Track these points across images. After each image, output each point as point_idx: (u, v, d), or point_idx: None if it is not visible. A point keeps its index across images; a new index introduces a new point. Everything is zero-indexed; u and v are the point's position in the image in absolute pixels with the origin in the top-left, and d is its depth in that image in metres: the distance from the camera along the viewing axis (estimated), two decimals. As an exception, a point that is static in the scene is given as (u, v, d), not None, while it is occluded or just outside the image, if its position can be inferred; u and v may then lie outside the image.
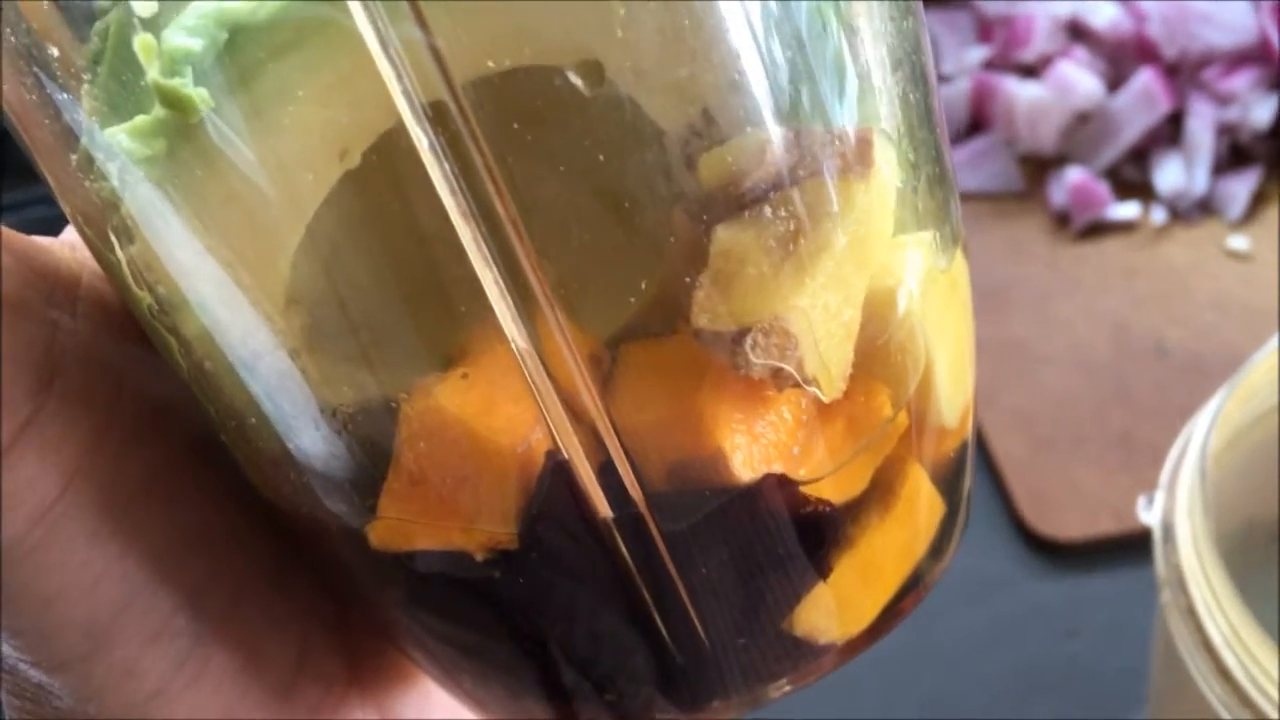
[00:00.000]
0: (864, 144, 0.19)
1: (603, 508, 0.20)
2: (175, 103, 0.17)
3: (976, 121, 0.83)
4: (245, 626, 0.22)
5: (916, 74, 0.21)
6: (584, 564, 0.20)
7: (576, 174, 0.18)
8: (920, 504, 0.23)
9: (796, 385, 0.19)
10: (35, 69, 0.18)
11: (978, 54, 0.84)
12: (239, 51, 0.17)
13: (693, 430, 0.19)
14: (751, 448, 0.19)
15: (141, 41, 0.17)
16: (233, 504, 0.23)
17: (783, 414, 0.20)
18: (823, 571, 0.21)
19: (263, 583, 0.23)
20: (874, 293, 0.20)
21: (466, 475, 0.19)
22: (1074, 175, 0.78)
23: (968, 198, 0.80)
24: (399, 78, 0.17)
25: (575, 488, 0.19)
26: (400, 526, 0.20)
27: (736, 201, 0.18)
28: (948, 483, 0.23)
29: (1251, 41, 0.79)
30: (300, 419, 0.20)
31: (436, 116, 0.17)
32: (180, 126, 0.18)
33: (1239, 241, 0.75)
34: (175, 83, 0.17)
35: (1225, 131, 0.79)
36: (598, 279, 0.18)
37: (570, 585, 0.21)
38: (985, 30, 0.86)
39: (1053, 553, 0.63)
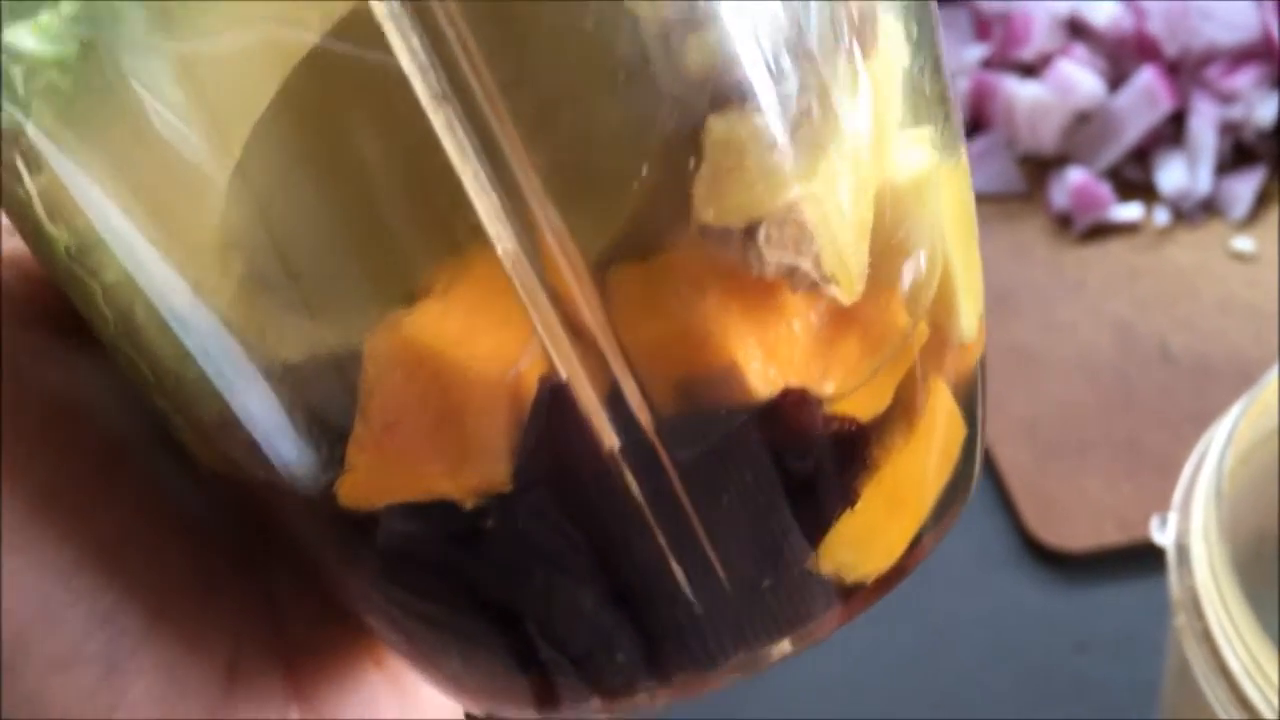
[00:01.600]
0: (868, 20, 0.18)
1: (608, 437, 0.18)
2: None
3: (976, 122, 0.82)
4: (166, 648, 0.20)
5: None
6: (588, 504, 0.18)
7: (563, 41, 0.16)
8: (943, 423, 0.21)
9: (813, 286, 0.18)
10: None
11: (976, 52, 0.83)
12: None
13: (703, 344, 0.17)
14: (768, 360, 0.18)
15: None
16: (154, 510, 0.21)
17: (800, 321, 0.18)
18: (849, 498, 0.19)
19: (186, 596, 0.21)
20: (884, 187, 0.19)
21: (448, 412, 0.18)
22: (1075, 176, 0.76)
23: (967, 200, 0.79)
24: None
25: (576, 415, 0.18)
26: (373, 479, 0.18)
27: (735, 86, 0.17)
28: (967, 402, 0.22)
29: (1254, 38, 0.78)
30: (246, 373, 0.18)
31: None
32: (92, 20, 0.16)
33: (1243, 242, 0.74)
34: None
35: (1228, 130, 0.77)
36: (592, 167, 0.17)
37: (573, 530, 0.19)
38: (983, 28, 0.85)
39: (1059, 563, 0.62)
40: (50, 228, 0.18)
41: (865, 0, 0.18)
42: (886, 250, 0.19)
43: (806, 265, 0.18)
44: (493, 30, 0.16)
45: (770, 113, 0.17)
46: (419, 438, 0.18)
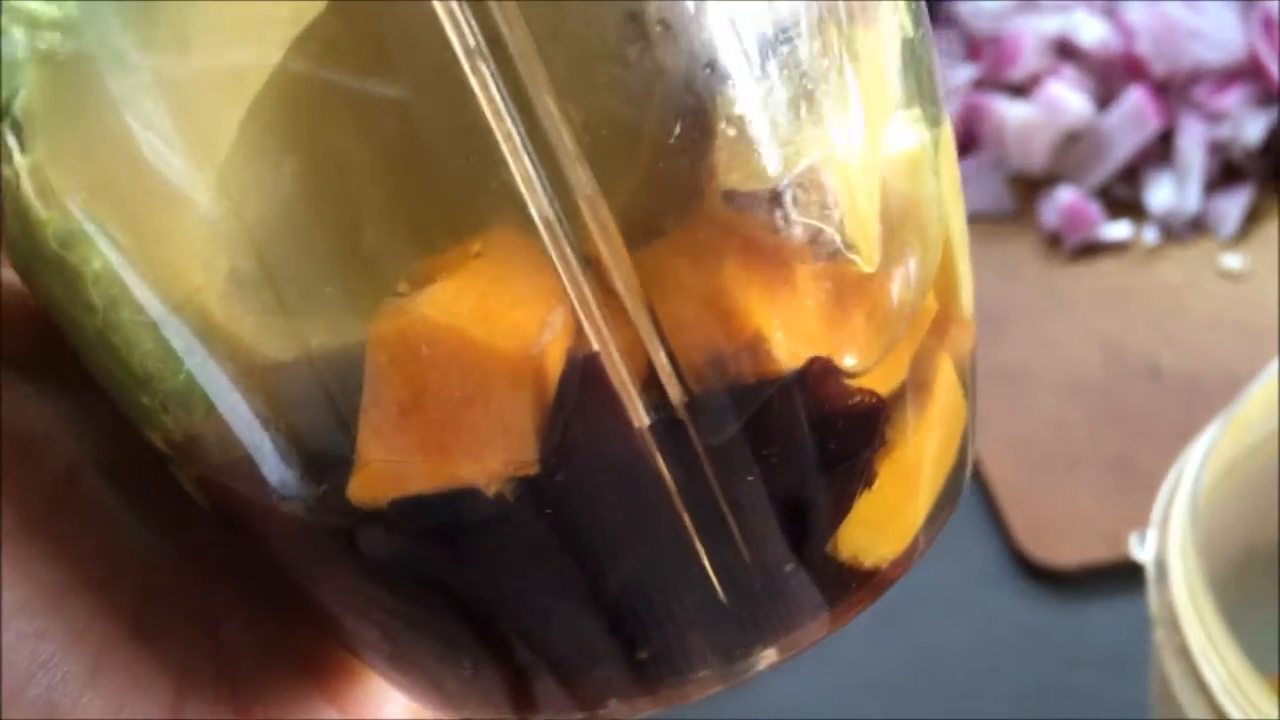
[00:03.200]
0: None
1: (638, 415, 0.18)
2: None
3: (966, 142, 0.83)
4: (110, 693, 0.20)
5: None
6: (615, 486, 0.18)
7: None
8: (951, 403, 0.21)
9: (835, 254, 0.18)
10: None
11: (966, 73, 0.84)
12: None
13: (729, 314, 0.18)
14: (792, 331, 0.18)
15: None
16: (102, 549, 0.20)
17: (821, 293, 0.18)
18: (869, 478, 0.20)
19: (132, 638, 0.20)
20: (889, 160, 0.19)
21: (471, 391, 0.17)
22: (1065, 195, 0.77)
23: (959, 219, 0.79)
24: None
25: (606, 391, 0.17)
26: (391, 470, 0.18)
27: (749, 56, 0.17)
28: (967, 384, 0.22)
29: (1241, 58, 0.79)
30: (233, 371, 0.18)
31: None
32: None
33: (1232, 260, 0.75)
34: None
35: (1216, 149, 0.78)
36: (623, 123, 0.16)
37: (598, 515, 0.18)
38: (973, 49, 0.86)
39: (1050, 579, 0.62)
40: (39, 210, 0.18)
41: None
42: (896, 222, 0.19)
43: (830, 230, 0.18)
44: None
45: (784, 79, 0.17)
46: (441, 420, 0.17)
